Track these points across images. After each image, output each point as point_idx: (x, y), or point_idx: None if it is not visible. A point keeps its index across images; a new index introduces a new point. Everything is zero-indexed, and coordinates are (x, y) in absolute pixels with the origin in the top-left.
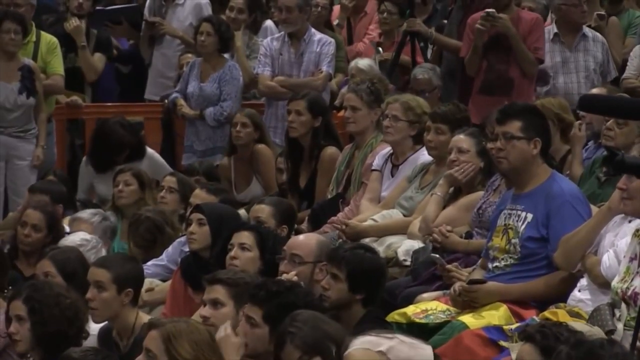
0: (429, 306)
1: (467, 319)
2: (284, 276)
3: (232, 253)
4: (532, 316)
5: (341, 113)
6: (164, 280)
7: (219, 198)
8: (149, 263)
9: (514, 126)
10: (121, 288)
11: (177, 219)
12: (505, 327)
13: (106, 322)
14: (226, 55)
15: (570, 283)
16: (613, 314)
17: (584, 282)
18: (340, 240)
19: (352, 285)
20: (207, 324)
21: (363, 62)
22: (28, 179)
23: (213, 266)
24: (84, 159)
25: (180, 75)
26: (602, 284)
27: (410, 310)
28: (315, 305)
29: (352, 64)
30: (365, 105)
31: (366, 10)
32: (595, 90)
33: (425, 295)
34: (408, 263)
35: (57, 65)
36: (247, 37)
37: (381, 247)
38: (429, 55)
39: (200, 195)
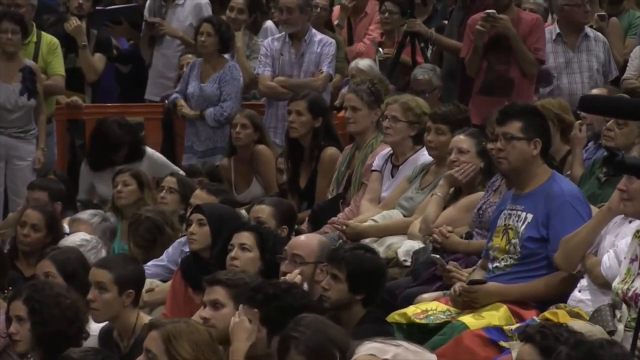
0: (429, 306)
1: (467, 319)
2: (287, 276)
3: (232, 253)
4: (532, 316)
5: (341, 113)
6: (164, 281)
7: (219, 198)
8: (149, 263)
9: (514, 127)
10: (123, 289)
11: (177, 219)
12: (505, 327)
13: (107, 323)
14: (226, 56)
15: (570, 283)
16: (614, 315)
17: (584, 282)
18: (341, 240)
19: (352, 285)
20: (208, 325)
21: (363, 63)
22: (28, 180)
23: (213, 267)
24: (85, 159)
25: (181, 76)
26: (602, 284)
27: (411, 310)
28: (312, 307)
29: (353, 64)
30: (365, 106)
31: (366, 11)
32: (595, 91)
33: (425, 295)
34: (408, 263)
35: (58, 66)
36: (248, 37)
37: (381, 248)
38: (429, 56)
39: (200, 196)
